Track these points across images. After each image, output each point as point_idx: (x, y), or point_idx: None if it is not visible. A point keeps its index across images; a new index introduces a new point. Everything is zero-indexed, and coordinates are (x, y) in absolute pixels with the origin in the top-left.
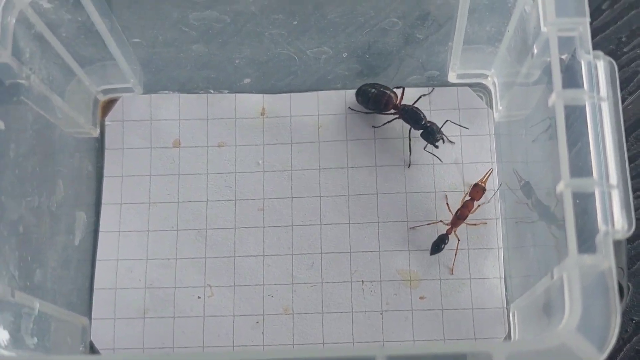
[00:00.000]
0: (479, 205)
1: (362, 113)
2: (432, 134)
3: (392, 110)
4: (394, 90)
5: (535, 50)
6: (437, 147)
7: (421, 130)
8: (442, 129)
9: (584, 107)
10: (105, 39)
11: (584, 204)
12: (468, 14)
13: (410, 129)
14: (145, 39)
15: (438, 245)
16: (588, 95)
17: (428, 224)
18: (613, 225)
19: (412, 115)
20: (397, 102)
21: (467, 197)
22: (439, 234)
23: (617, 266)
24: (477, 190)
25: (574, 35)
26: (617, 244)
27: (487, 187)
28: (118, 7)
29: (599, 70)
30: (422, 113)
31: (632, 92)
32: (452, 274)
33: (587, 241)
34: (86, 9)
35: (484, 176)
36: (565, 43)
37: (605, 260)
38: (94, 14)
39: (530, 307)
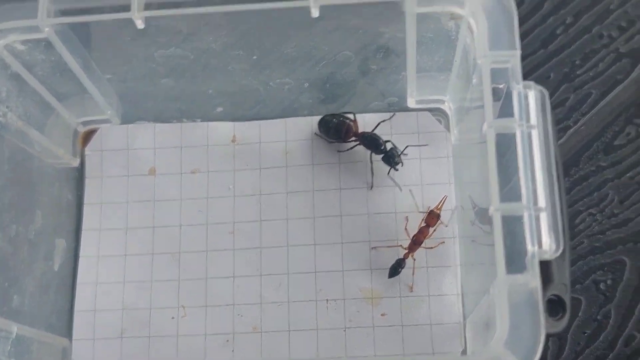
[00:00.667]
0: (434, 230)
1: (324, 139)
2: (391, 158)
3: (353, 138)
4: (353, 118)
5: (474, 80)
6: (397, 170)
7: (381, 155)
8: (403, 152)
9: (514, 135)
10: (79, 76)
11: (513, 226)
12: (416, 47)
13: (371, 154)
14: (117, 75)
15: (395, 269)
16: (518, 124)
17: (388, 247)
18: (540, 246)
19: (371, 142)
20: (357, 130)
21: (423, 224)
22: (398, 256)
23: (560, 282)
24: (432, 217)
25: (506, 67)
26: (560, 261)
27: (446, 206)
28: (91, 45)
29: (529, 99)
30: (380, 139)
31: (584, 113)
32: (412, 291)
33: (516, 262)
34: (58, 50)
35: (439, 203)
36: (499, 74)
37: (533, 280)
38: (66, 54)
39: (478, 322)
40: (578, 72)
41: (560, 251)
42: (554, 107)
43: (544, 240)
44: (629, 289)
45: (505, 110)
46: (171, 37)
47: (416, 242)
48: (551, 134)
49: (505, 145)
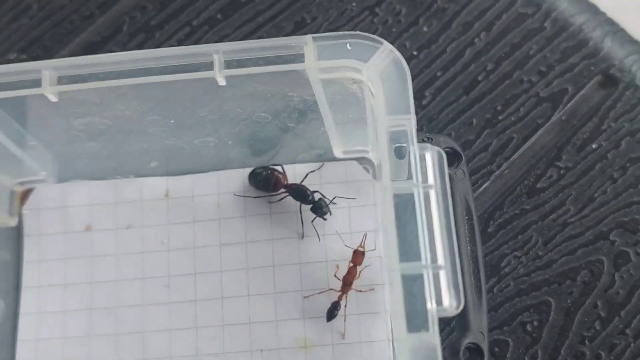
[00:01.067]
0: (363, 268)
1: (249, 197)
2: (319, 209)
3: (282, 190)
4: (282, 170)
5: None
6: (325, 219)
7: (310, 205)
8: (332, 202)
9: (412, 195)
10: (6, 145)
11: (412, 285)
12: (329, 105)
13: (301, 206)
14: (43, 140)
15: (331, 312)
16: (414, 185)
17: (320, 293)
18: (440, 303)
19: (299, 193)
20: (285, 181)
21: (350, 264)
22: (332, 301)
23: (477, 330)
24: (357, 256)
25: (404, 129)
26: (476, 309)
27: (376, 253)
28: (8, 118)
29: (426, 160)
30: (308, 190)
31: (507, 157)
32: (344, 338)
33: (417, 320)
34: None
35: (362, 241)
36: (399, 135)
37: (433, 338)
38: None
39: None
40: (500, 117)
41: (461, 308)
42: (477, 152)
43: (444, 297)
44: (555, 329)
45: (408, 171)
46: (86, 107)
47: (346, 283)
48: (449, 194)
49: (404, 205)
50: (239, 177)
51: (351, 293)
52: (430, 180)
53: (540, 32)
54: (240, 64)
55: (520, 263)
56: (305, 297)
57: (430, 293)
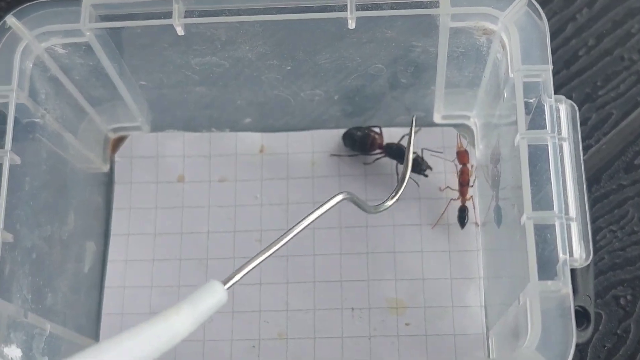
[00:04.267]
0: (473, 167)
1: (345, 155)
2: (418, 166)
3: (378, 150)
4: (375, 130)
5: (506, 94)
6: (426, 175)
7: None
8: (425, 160)
9: (546, 146)
10: (115, 82)
11: (544, 234)
12: (447, 61)
13: (397, 166)
14: (151, 81)
15: (462, 218)
16: (550, 136)
17: (442, 212)
18: (572, 254)
19: (397, 152)
20: (382, 142)
21: (459, 166)
22: (459, 209)
23: (584, 294)
24: (462, 155)
25: (538, 80)
26: (584, 273)
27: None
28: (127, 52)
29: (561, 112)
30: (405, 147)
31: (606, 132)
32: (433, 229)
33: (547, 269)
34: (97, 55)
35: (458, 142)
36: (531, 88)
37: (564, 286)
38: (104, 59)
39: (504, 332)
40: (600, 93)
41: (589, 260)
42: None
43: (575, 248)
44: None
45: (534, 125)
46: (209, 45)
47: (464, 184)
48: (580, 148)
49: (536, 157)
50: (333, 137)
51: (444, 257)
52: (564, 132)
53: None
54: (374, 6)
55: (616, 237)
56: (432, 228)
57: (563, 243)
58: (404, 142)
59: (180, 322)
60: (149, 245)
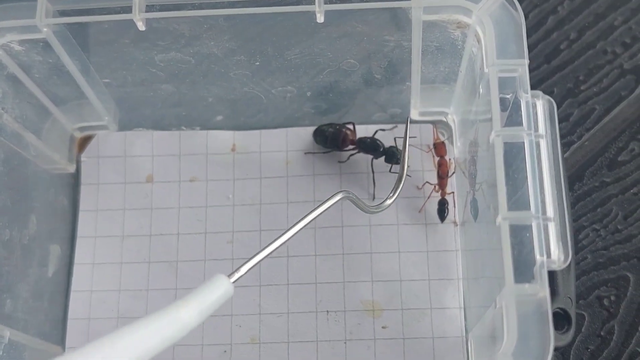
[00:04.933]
0: (449, 159)
1: (318, 153)
2: (394, 156)
3: (351, 146)
4: (348, 126)
5: (481, 90)
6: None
7: (383, 156)
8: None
9: (523, 143)
10: (77, 79)
11: (521, 235)
12: (421, 56)
13: (372, 161)
14: (115, 79)
15: (442, 211)
16: (526, 133)
17: (425, 202)
18: (549, 255)
19: (370, 146)
20: (354, 137)
21: (437, 158)
22: (438, 200)
23: (565, 296)
24: (440, 147)
25: (514, 75)
26: (565, 274)
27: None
28: (89, 48)
29: (538, 108)
30: (378, 141)
31: (589, 128)
32: (420, 212)
33: (524, 271)
34: (56, 52)
35: (433, 135)
36: (507, 83)
37: (541, 290)
38: (64, 55)
39: (483, 335)
40: (582, 88)
41: (568, 262)
42: (558, 122)
43: (553, 250)
44: (633, 305)
45: (511, 121)
46: (172, 40)
47: (443, 176)
48: (559, 145)
49: (512, 155)
50: (308, 135)
51: (421, 259)
52: (541, 129)
53: (625, 3)
54: None
55: (599, 236)
56: (419, 211)
57: (540, 244)
58: (379, 136)
59: (187, 315)
60: (117, 247)
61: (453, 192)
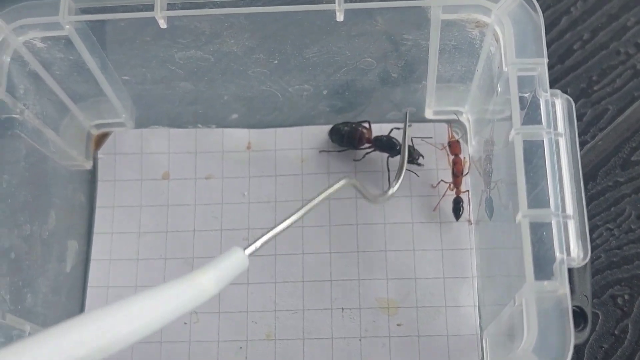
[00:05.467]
0: (464, 157)
1: (334, 151)
2: (410, 155)
3: (367, 145)
4: (364, 125)
5: (499, 89)
6: (420, 164)
7: (398, 155)
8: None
9: (542, 142)
10: (97, 77)
11: (541, 233)
12: (438, 55)
13: (388, 159)
14: (134, 76)
15: (457, 209)
16: (545, 131)
17: (441, 198)
18: (569, 253)
19: (387, 144)
20: (370, 136)
21: (451, 157)
22: (454, 200)
23: (582, 294)
24: (454, 145)
25: (533, 74)
26: (581, 272)
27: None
28: (109, 46)
29: (556, 107)
30: (394, 139)
31: (602, 128)
32: (435, 210)
33: (544, 268)
34: (77, 49)
35: (448, 134)
36: (525, 82)
37: (561, 287)
38: (85, 52)
39: (498, 333)
40: (595, 88)
41: (587, 260)
42: None
43: (572, 247)
44: None
45: (529, 120)
46: (193, 38)
47: (458, 174)
48: (577, 144)
49: (531, 153)
50: (323, 133)
51: (437, 256)
52: (560, 128)
53: (638, 4)
54: None
55: (613, 235)
56: (434, 209)
57: (560, 241)
58: (395, 135)
59: (206, 281)
60: (133, 244)
61: (468, 191)
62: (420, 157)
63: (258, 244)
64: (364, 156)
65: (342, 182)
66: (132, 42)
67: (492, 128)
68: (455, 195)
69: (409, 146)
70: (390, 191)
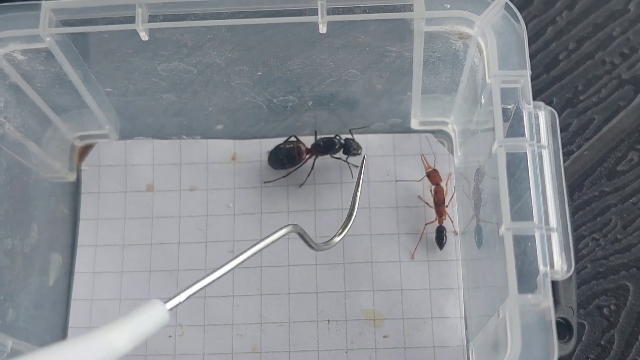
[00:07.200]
0: (446, 184)
1: (279, 179)
2: (351, 146)
3: (307, 155)
4: (291, 140)
5: (483, 100)
6: (359, 154)
7: (341, 150)
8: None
9: (525, 154)
10: (79, 89)
11: (524, 245)
12: (423, 66)
13: (347, 158)
14: (117, 88)
15: (441, 239)
16: (529, 144)
17: (421, 235)
18: (552, 266)
19: (326, 144)
20: (306, 147)
21: (432, 187)
22: (436, 228)
23: (567, 305)
24: (433, 175)
25: (516, 86)
26: (567, 284)
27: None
28: (91, 58)
29: (540, 119)
30: (331, 138)
31: (588, 138)
32: (413, 258)
33: (527, 281)
34: (59, 61)
35: (424, 164)
36: (509, 94)
37: (544, 300)
38: (66, 65)
39: (484, 344)
40: (581, 98)
41: (571, 272)
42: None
43: (556, 260)
44: (633, 314)
45: (513, 132)
46: (175, 50)
47: (439, 204)
48: (561, 156)
49: (514, 165)
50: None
51: (422, 268)
52: (543, 140)
53: (623, 14)
54: (346, 10)
55: (599, 245)
56: (412, 257)
57: (543, 254)
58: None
59: (117, 340)
60: (118, 256)
61: (452, 221)
62: (359, 149)
63: (182, 297)
64: (312, 168)
65: (284, 230)
66: (114, 54)
67: (485, 161)
68: (438, 224)
69: (347, 138)
70: (336, 239)
